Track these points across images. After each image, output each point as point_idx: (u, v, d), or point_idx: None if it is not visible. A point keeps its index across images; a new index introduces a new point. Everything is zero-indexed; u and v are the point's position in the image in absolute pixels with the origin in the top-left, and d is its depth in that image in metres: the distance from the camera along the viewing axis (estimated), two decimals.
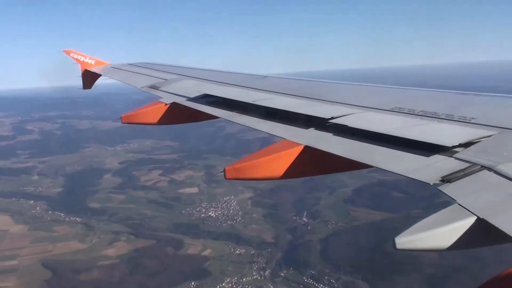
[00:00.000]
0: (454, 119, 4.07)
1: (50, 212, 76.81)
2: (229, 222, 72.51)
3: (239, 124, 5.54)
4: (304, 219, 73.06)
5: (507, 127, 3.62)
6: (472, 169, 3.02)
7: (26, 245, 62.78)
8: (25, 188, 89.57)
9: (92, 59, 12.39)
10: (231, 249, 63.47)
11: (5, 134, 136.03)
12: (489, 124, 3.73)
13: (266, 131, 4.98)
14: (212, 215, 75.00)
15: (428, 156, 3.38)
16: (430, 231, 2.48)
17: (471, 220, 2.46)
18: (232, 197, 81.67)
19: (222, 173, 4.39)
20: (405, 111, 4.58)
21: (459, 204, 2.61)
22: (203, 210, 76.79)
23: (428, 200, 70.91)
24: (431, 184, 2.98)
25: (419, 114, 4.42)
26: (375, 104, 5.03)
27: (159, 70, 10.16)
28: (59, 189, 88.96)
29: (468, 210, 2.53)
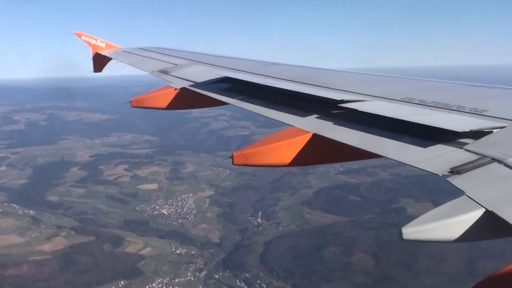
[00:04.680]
0: (465, 110, 3.98)
1: (5, 204, 76.37)
2: (180, 220, 71.29)
3: (247, 110, 5.54)
4: (259, 220, 71.64)
5: None
6: (482, 161, 2.95)
7: None
8: None
9: (103, 42, 12.32)
10: (172, 249, 62.32)
11: None
12: (501, 117, 3.63)
13: (275, 118, 4.99)
14: (164, 212, 73.89)
15: (438, 147, 3.34)
16: (438, 222, 2.42)
17: (479, 212, 2.42)
18: (191, 194, 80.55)
19: (230, 159, 4.36)
20: (416, 102, 4.51)
21: (468, 196, 2.56)
22: (157, 207, 75.79)
23: (383, 205, 69.17)
24: (440, 175, 2.91)
25: (429, 104, 4.33)
26: (385, 93, 4.96)
27: (170, 55, 10.24)
28: (23, 181, 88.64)
29: (477, 202, 2.48)
